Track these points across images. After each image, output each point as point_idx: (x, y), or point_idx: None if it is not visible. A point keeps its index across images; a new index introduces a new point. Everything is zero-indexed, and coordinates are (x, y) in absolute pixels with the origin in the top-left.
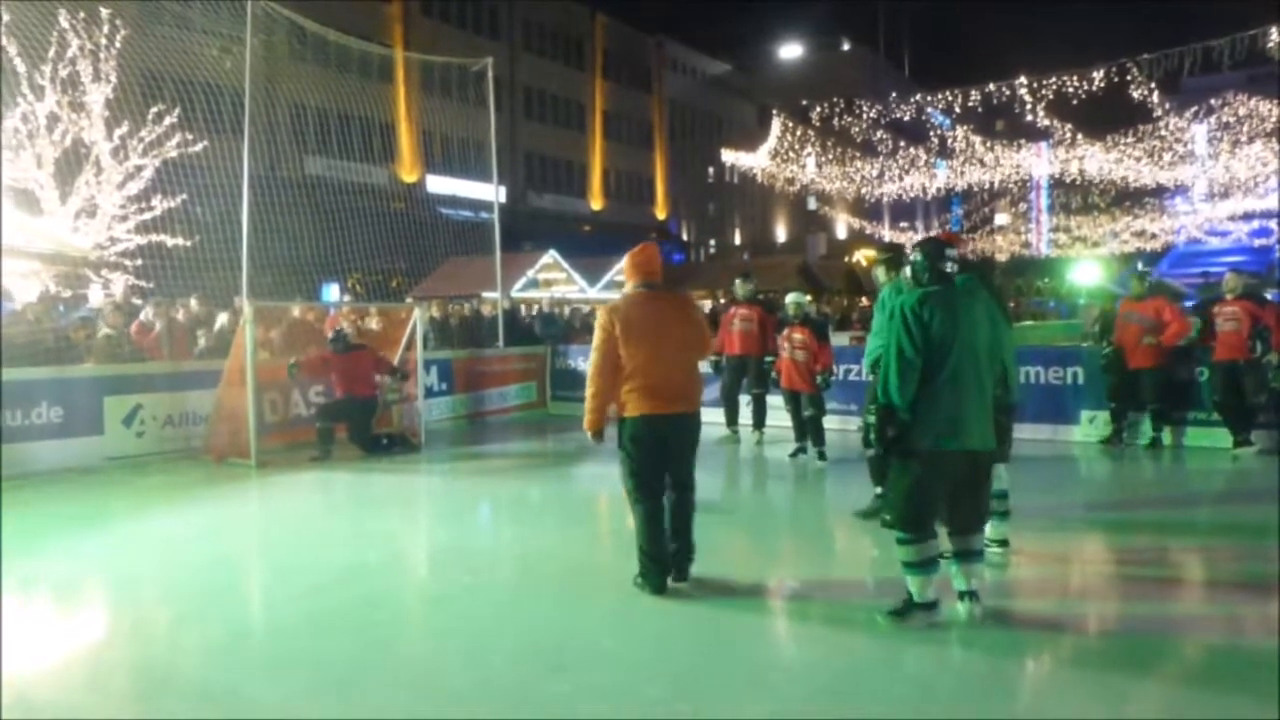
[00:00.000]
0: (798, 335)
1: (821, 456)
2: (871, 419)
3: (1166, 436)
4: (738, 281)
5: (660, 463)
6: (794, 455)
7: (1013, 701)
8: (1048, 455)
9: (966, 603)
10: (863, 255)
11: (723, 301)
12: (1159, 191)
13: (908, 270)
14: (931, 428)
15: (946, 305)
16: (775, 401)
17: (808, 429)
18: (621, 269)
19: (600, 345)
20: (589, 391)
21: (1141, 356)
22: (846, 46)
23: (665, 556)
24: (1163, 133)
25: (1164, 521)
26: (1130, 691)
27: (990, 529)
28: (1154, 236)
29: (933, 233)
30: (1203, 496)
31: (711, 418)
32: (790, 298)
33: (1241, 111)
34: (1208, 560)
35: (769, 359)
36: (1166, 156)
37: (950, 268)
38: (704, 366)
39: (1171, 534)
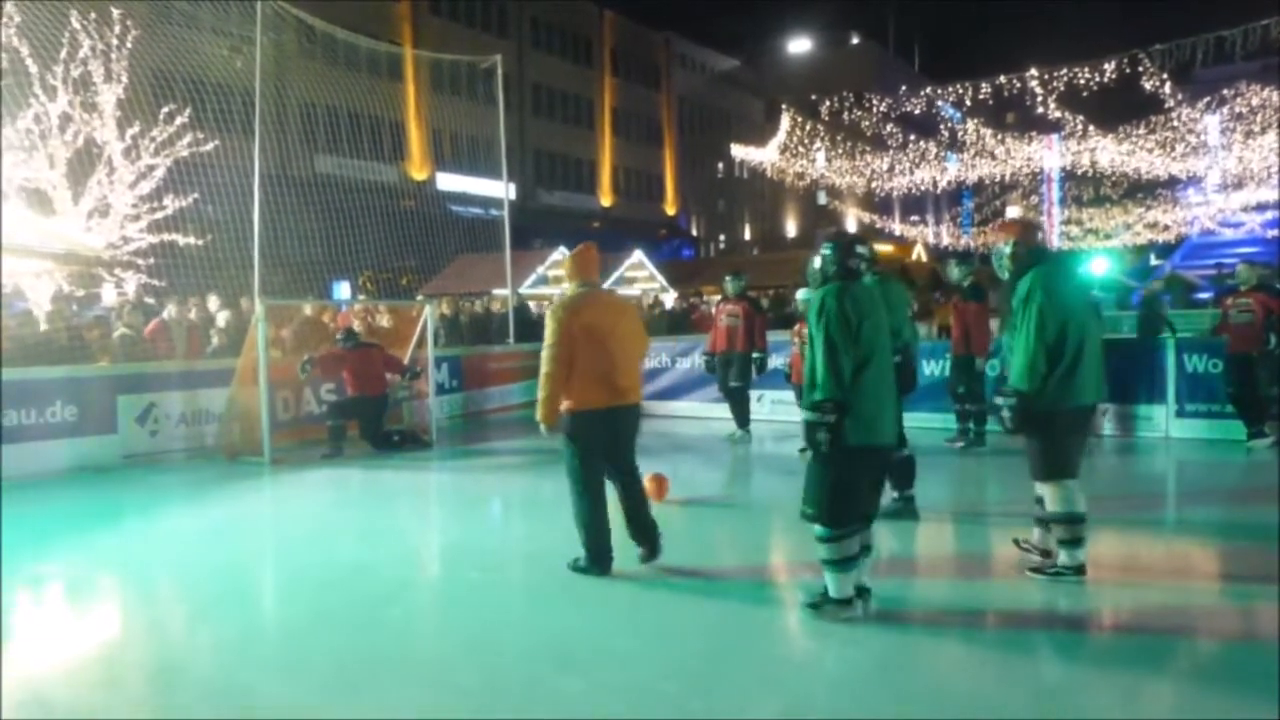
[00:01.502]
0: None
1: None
2: (825, 419)
3: None
4: (727, 278)
5: (607, 452)
6: (803, 450)
7: (1026, 699)
8: None
9: (865, 600)
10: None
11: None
12: (1172, 183)
13: (816, 261)
14: (860, 424)
15: (869, 300)
16: (785, 396)
17: None
18: (564, 268)
19: (558, 343)
20: (545, 387)
21: None
22: (856, 40)
23: (609, 544)
24: (1175, 124)
25: (1171, 516)
26: (1137, 690)
27: (1041, 539)
28: (1167, 228)
29: (943, 227)
30: (1213, 489)
31: (712, 414)
32: (801, 294)
33: (1255, 102)
34: (1212, 556)
35: (756, 355)
36: (1179, 148)
37: (858, 265)
38: (696, 365)
39: (1178, 529)
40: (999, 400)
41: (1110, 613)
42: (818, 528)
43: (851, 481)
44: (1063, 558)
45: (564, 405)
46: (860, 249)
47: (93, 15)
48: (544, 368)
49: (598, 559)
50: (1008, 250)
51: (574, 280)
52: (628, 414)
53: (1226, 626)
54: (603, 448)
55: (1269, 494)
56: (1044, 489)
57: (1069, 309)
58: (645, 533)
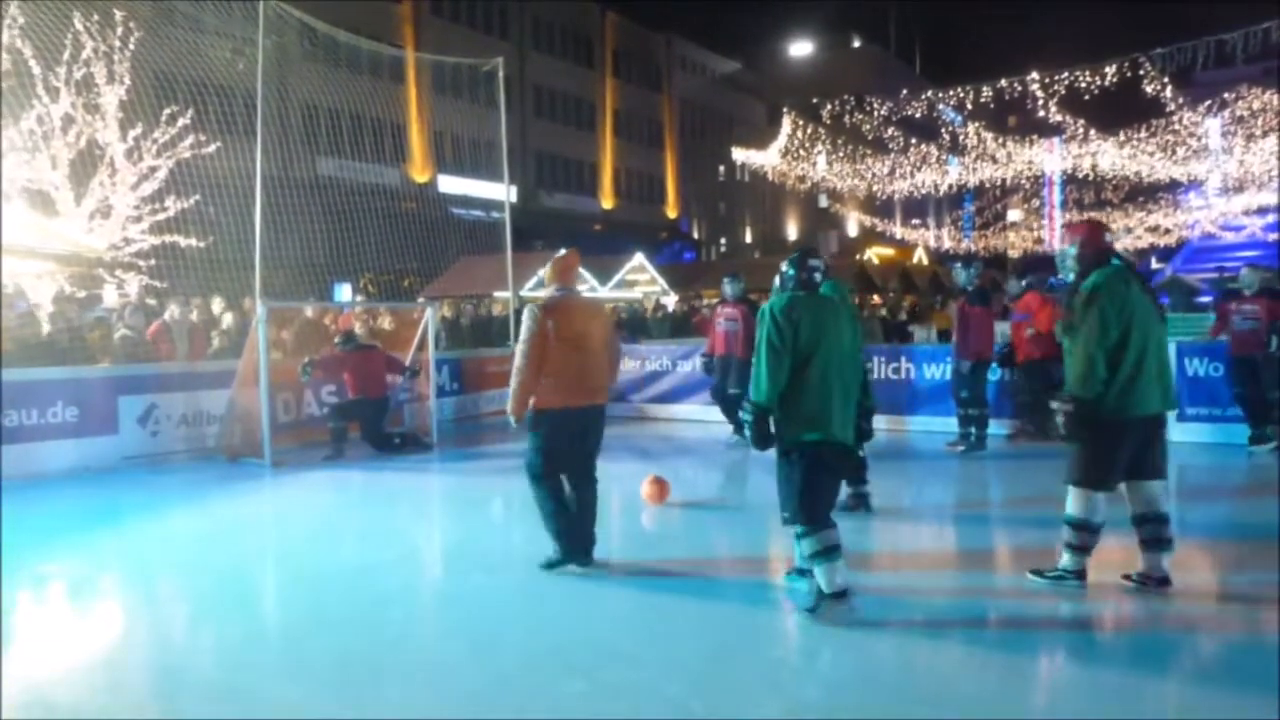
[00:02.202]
0: None
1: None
2: (747, 417)
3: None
4: (725, 281)
5: (571, 449)
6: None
7: (1026, 700)
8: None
9: (809, 579)
10: (874, 254)
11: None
12: (1173, 186)
13: (776, 280)
14: (811, 422)
15: (812, 309)
16: None
17: None
18: (544, 273)
19: (533, 342)
20: (517, 382)
21: (1027, 349)
22: (857, 44)
23: (578, 531)
24: (1176, 127)
25: (1173, 518)
26: (1138, 690)
27: (1147, 561)
28: (1168, 232)
29: (944, 230)
30: (1214, 492)
31: (713, 417)
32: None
33: (1255, 105)
34: (1212, 557)
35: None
36: (1180, 151)
37: (815, 277)
38: (697, 368)
39: (1179, 531)
40: (1054, 405)
41: (1110, 613)
42: (797, 527)
43: (814, 476)
44: (1065, 560)
45: (532, 402)
46: (813, 261)
47: (95, 17)
48: (516, 363)
49: (571, 551)
50: (1073, 251)
51: (552, 284)
52: (596, 412)
53: (1227, 627)
54: (568, 447)
55: (1270, 496)
56: (1070, 491)
57: (1133, 312)
58: (588, 541)
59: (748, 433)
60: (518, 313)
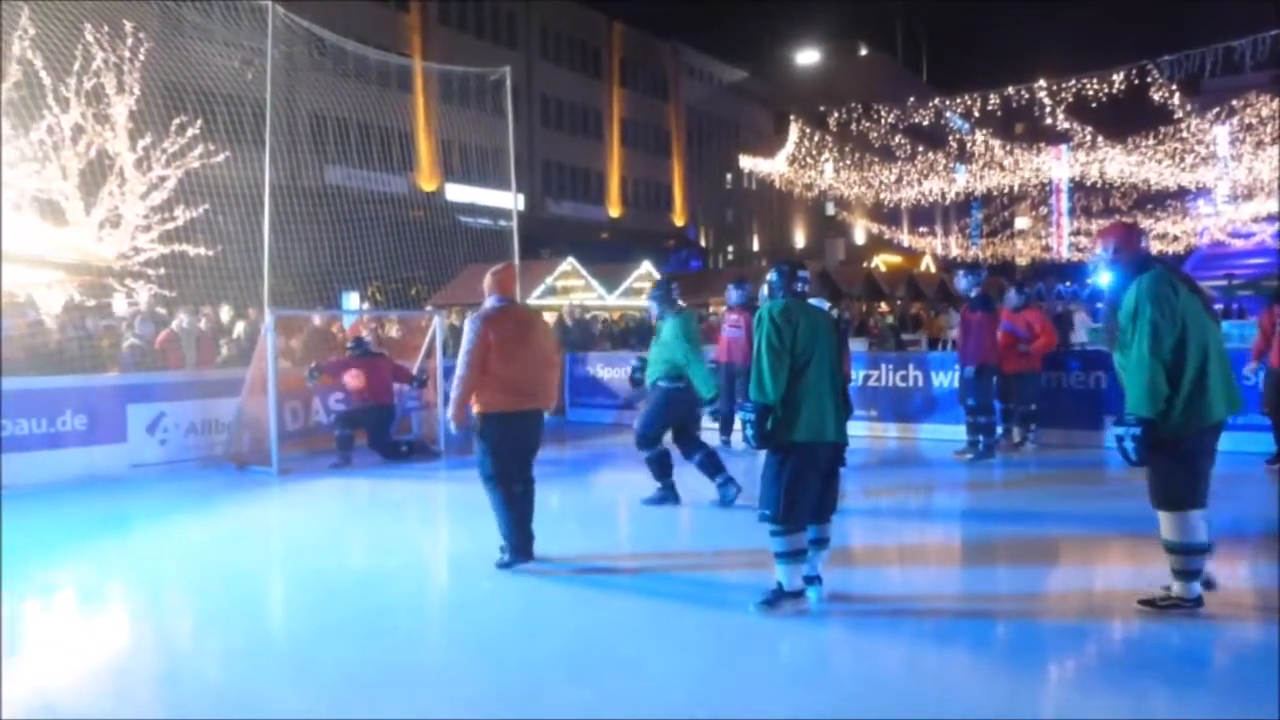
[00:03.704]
0: None
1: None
2: (749, 416)
3: (1017, 436)
4: (730, 287)
5: (519, 451)
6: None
7: (1033, 703)
8: (1082, 461)
9: (816, 587)
10: (882, 261)
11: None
12: (1181, 194)
13: (764, 289)
14: (803, 422)
15: (806, 314)
16: None
17: None
18: (484, 284)
19: (474, 351)
20: (459, 389)
21: (1015, 362)
22: (864, 51)
23: (529, 534)
24: (1184, 134)
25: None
26: (1138, 691)
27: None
28: (1176, 239)
29: (952, 238)
30: (1223, 497)
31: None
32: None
33: (1264, 112)
34: (1214, 559)
35: None
36: (1188, 158)
37: (801, 288)
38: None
39: None
40: (1119, 430)
41: (1111, 615)
42: (772, 525)
43: (801, 477)
44: (1176, 589)
45: (475, 409)
46: (802, 273)
47: (106, 28)
48: (458, 371)
49: (519, 549)
50: (1107, 257)
51: (491, 295)
52: (538, 416)
53: (1228, 631)
54: (517, 446)
55: (1271, 499)
56: (1161, 516)
57: (1184, 318)
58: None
59: (748, 431)
60: None
